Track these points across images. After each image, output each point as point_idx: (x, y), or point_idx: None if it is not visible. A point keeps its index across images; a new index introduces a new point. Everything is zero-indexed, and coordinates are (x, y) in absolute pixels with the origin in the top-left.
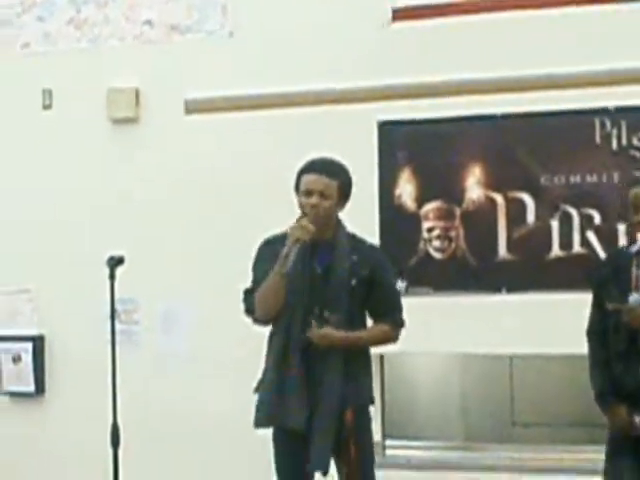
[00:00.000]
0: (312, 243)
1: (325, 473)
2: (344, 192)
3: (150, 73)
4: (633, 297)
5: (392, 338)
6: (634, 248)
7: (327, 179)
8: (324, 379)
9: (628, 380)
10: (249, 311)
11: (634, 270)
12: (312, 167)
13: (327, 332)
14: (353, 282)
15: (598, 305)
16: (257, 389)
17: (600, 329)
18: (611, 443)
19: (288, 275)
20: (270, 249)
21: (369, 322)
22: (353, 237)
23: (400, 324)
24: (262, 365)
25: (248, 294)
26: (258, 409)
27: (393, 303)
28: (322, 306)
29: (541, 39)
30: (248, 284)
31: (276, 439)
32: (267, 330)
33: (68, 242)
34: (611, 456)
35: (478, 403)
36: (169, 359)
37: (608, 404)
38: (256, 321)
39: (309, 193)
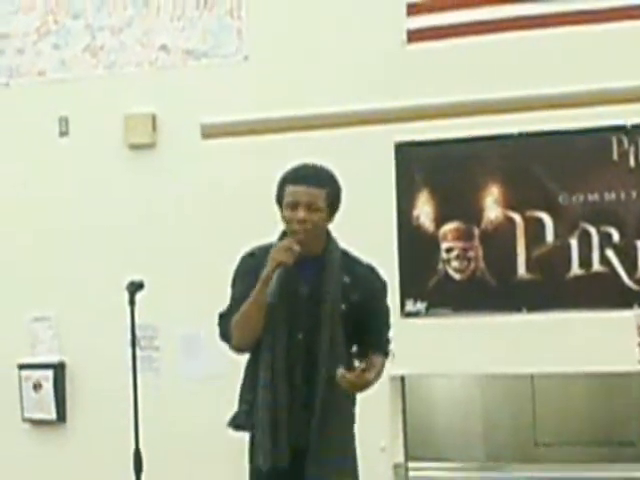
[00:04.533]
0: (298, 259)
1: None
2: (333, 202)
3: (166, 98)
4: None
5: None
6: None
7: (315, 189)
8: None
9: None
10: (225, 337)
11: None
12: (298, 176)
13: (368, 377)
14: (343, 307)
15: None
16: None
17: None
18: None
19: (270, 304)
20: (251, 264)
21: None
22: (346, 254)
23: (388, 356)
24: None
25: (223, 317)
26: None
27: (386, 333)
28: (306, 332)
29: (557, 57)
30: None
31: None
32: None
33: (87, 268)
34: None
35: (500, 423)
36: (190, 384)
37: None
38: (232, 348)
39: (295, 206)
